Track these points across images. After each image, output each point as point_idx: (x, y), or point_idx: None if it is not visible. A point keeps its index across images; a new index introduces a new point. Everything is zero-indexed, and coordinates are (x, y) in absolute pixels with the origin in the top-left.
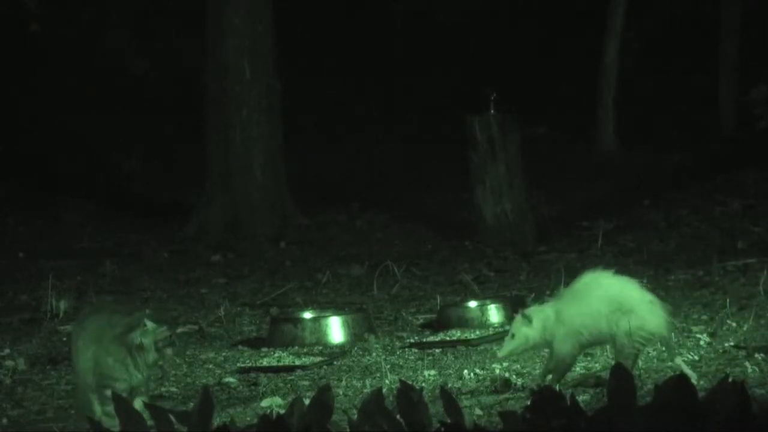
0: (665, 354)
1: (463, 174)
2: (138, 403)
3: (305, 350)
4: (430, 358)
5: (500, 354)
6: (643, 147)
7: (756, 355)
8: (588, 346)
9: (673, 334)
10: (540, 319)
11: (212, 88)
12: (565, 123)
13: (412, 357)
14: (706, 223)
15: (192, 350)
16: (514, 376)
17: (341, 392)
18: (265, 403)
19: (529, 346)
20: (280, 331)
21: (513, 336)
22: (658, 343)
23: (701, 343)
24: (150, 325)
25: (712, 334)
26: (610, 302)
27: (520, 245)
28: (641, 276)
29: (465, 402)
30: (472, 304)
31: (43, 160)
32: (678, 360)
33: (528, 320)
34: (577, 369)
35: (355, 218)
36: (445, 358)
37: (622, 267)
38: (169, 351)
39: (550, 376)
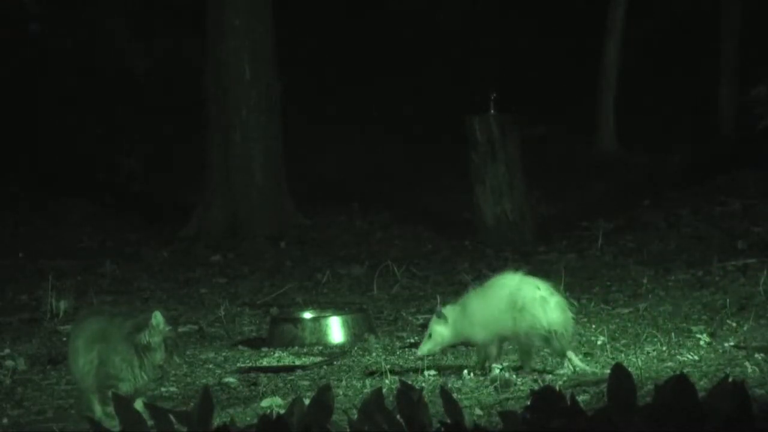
0: (665, 354)
1: (463, 174)
2: (138, 404)
3: (305, 350)
4: (430, 358)
5: (419, 353)
6: (643, 147)
7: (756, 355)
8: (506, 337)
9: (570, 328)
10: (451, 317)
11: (212, 88)
12: (565, 123)
13: (412, 357)
14: (706, 223)
15: (192, 350)
16: (514, 376)
17: (341, 392)
18: (265, 403)
19: (446, 342)
20: (280, 331)
21: (430, 335)
22: (556, 338)
23: (701, 343)
24: (160, 323)
25: (712, 334)
26: (506, 301)
27: (520, 245)
28: (641, 276)
29: (465, 402)
30: None
31: (43, 160)
32: (570, 354)
33: (444, 319)
34: (577, 368)
35: (355, 218)
36: (445, 358)
37: (622, 267)
38: (176, 359)
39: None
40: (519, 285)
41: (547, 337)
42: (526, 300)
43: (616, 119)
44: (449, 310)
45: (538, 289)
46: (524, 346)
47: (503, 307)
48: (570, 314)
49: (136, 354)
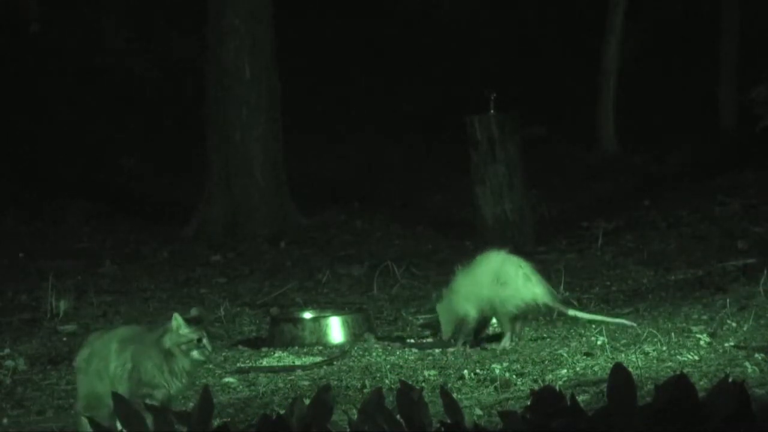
0: (665, 354)
1: (463, 174)
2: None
3: (305, 350)
4: (430, 358)
5: (444, 337)
6: (643, 147)
7: (756, 355)
8: (487, 311)
9: (551, 300)
10: (445, 295)
11: (212, 88)
12: (565, 123)
13: (412, 357)
14: (706, 223)
15: None
16: (514, 376)
17: (341, 392)
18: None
19: (451, 317)
20: (280, 331)
21: (438, 314)
22: (542, 310)
23: (701, 343)
24: (180, 325)
25: (712, 334)
26: (490, 275)
27: (520, 245)
28: (641, 276)
29: (465, 402)
30: None
31: (42, 160)
32: (571, 311)
33: (440, 299)
34: (577, 369)
35: (355, 218)
36: (445, 358)
37: (622, 267)
38: (195, 353)
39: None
40: (503, 262)
41: (529, 308)
42: (509, 276)
43: (616, 119)
44: (444, 291)
45: (521, 267)
46: (503, 314)
47: (487, 281)
48: (550, 290)
49: (164, 359)
